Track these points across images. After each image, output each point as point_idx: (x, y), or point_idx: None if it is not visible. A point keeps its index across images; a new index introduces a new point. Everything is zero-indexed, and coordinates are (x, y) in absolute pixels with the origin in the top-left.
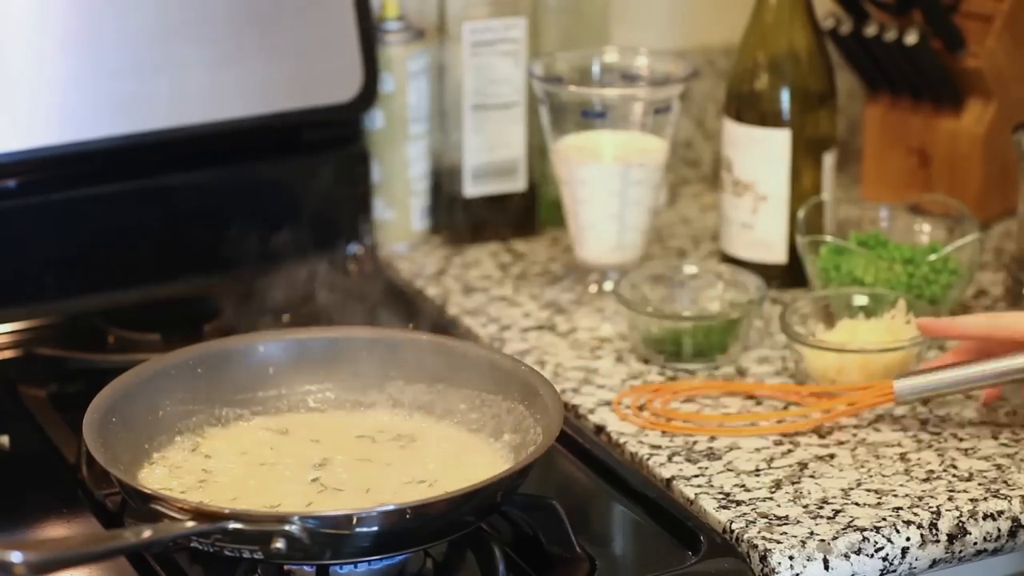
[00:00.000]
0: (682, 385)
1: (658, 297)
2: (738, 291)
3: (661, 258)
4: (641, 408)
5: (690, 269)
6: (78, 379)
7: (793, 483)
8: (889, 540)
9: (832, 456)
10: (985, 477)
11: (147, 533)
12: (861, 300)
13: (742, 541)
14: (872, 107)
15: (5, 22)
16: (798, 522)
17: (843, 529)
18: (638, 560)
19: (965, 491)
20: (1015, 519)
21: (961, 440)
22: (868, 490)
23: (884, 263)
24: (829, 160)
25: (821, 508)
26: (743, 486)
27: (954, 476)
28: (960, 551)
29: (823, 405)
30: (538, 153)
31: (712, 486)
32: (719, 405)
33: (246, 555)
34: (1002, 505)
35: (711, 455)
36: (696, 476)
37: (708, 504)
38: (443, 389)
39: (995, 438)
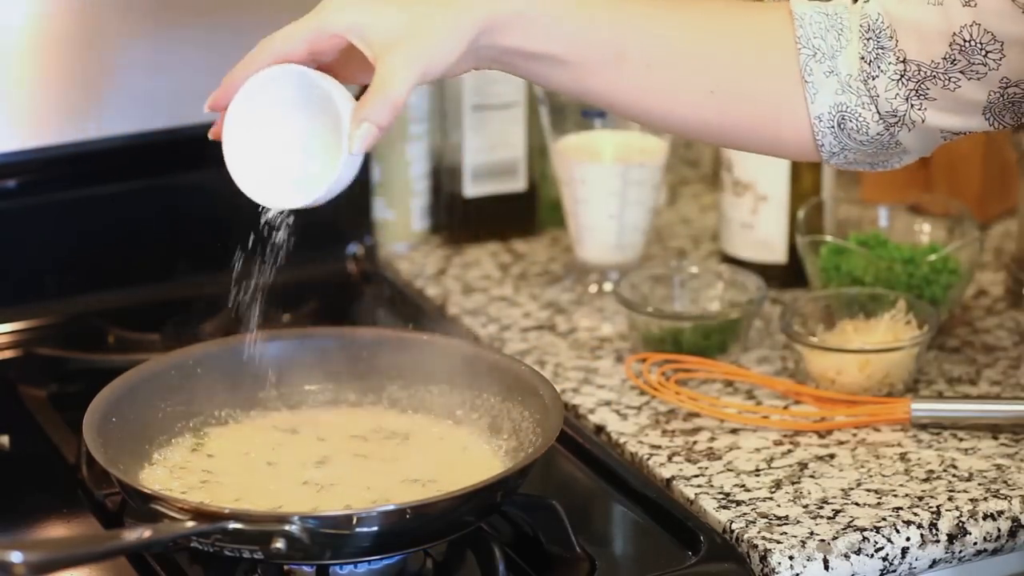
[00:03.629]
0: (704, 363)
1: (658, 297)
2: (738, 291)
3: (661, 258)
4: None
5: (690, 269)
6: (78, 379)
7: (793, 483)
8: (889, 540)
9: (832, 456)
10: (985, 477)
11: (147, 533)
12: (861, 300)
13: (742, 541)
14: None
15: (5, 22)
16: (798, 522)
17: (843, 529)
18: (638, 560)
19: (965, 491)
20: (1015, 519)
21: (961, 440)
22: (868, 490)
23: (884, 263)
24: None
25: (821, 508)
26: (743, 486)
27: (954, 476)
28: (960, 551)
29: (838, 411)
30: (538, 153)
31: (712, 486)
32: (724, 404)
33: (246, 555)
34: (1002, 505)
35: (711, 455)
36: (696, 476)
37: (708, 504)
38: (443, 389)
39: (995, 438)
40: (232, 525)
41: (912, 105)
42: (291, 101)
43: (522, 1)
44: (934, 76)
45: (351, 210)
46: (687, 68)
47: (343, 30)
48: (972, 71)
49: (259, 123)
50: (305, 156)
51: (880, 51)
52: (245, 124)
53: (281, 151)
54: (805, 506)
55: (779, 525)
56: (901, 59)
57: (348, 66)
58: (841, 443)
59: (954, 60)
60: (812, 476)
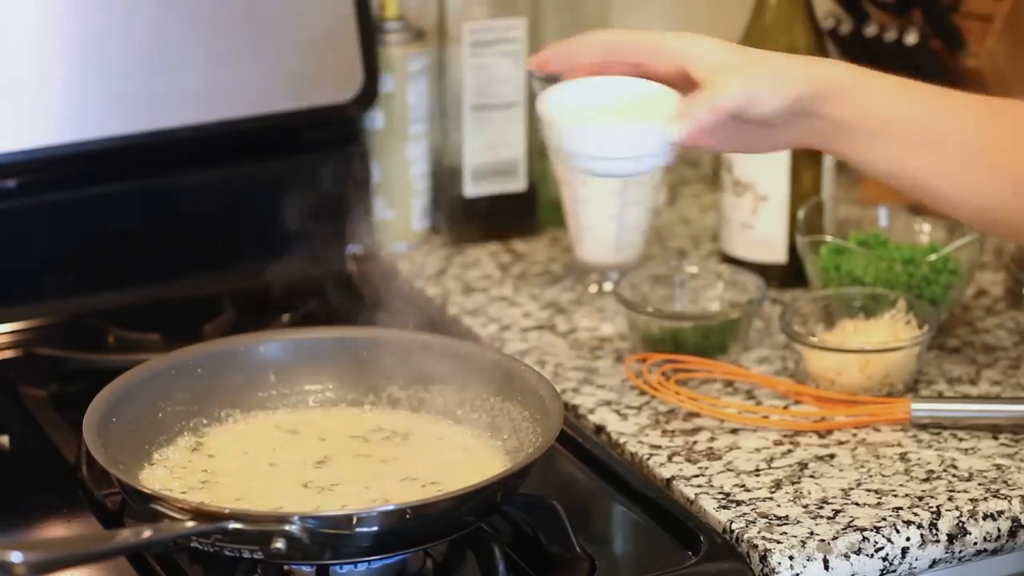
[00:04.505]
0: (704, 363)
1: (658, 297)
2: (738, 291)
3: (661, 258)
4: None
5: (690, 269)
6: (78, 379)
7: (793, 483)
8: (889, 540)
9: (832, 456)
10: (985, 477)
11: (147, 533)
12: (861, 300)
13: (742, 541)
14: None
15: (6, 22)
16: (798, 522)
17: (843, 529)
18: (638, 560)
19: (965, 491)
20: (1015, 519)
21: (961, 440)
22: (868, 490)
23: (884, 263)
24: (829, 160)
25: (821, 508)
26: (743, 486)
27: (954, 476)
28: (960, 551)
29: (838, 411)
30: (538, 153)
31: (712, 486)
32: (724, 404)
33: (246, 555)
34: (1002, 505)
35: (711, 455)
36: (696, 476)
37: (708, 504)
38: (443, 389)
39: (995, 438)
40: (232, 525)
41: None
42: (614, 102)
43: (852, 73)
44: None
45: (351, 210)
46: (995, 161)
47: (681, 50)
48: None
49: (582, 113)
50: (623, 136)
51: None
52: (570, 108)
53: (603, 134)
54: (805, 506)
55: (779, 525)
56: None
57: None
58: (841, 443)
59: None
60: (812, 476)
